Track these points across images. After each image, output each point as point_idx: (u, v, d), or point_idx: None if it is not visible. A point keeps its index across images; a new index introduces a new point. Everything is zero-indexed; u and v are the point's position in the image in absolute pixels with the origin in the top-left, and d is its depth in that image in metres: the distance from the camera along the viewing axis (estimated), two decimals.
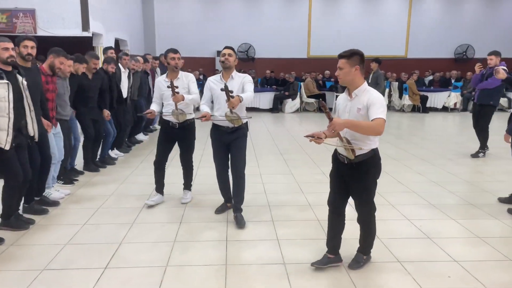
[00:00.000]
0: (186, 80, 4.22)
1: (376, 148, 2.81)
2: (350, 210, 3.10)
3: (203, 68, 14.45)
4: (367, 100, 2.65)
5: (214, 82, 3.85)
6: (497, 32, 15.29)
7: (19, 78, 3.52)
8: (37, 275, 2.91)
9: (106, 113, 5.75)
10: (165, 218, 4.02)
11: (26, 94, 3.56)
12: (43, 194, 4.30)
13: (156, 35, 14.96)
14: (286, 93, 12.96)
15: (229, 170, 3.98)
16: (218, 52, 14.99)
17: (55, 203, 4.32)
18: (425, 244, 3.45)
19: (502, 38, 15.07)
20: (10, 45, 3.45)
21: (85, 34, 9.16)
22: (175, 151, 4.47)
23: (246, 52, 15.15)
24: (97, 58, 5.52)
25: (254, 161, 6.15)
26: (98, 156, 5.93)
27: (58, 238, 3.52)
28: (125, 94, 6.61)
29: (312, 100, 13.09)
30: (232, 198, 3.96)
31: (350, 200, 3.05)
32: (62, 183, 4.95)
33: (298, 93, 12.98)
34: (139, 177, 5.47)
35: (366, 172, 2.79)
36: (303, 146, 7.43)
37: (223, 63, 3.75)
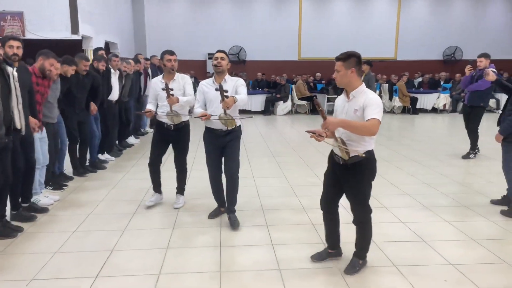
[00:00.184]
0: (182, 82, 4.22)
1: (372, 150, 2.81)
2: (346, 213, 3.08)
3: (194, 70, 14.37)
4: (364, 102, 2.67)
5: (206, 86, 3.82)
6: (485, 34, 15.48)
7: (9, 69, 3.42)
8: (26, 286, 2.82)
9: (93, 106, 5.60)
10: (157, 224, 3.96)
11: (15, 86, 3.46)
12: (32, 200, 4.21)
13: (146, 37, 14.84)
14: (278, 96, 12.96)
15: (223, 174, 3.94)
16: (209, 55, 14.94)
17: (44, 210, 4.23)
18: (420, 247, 3.44)
19: (490, 40, 15.25)
20: None
21: (75, 37, 9.04)
22: (167, 154, 4.42)
23: (237, 55, 15.11)
24: (87, 59, 5.45)
25: (246, 164, 6.11)
26: (87, 161, 5.84)
27: (47, 246, 3.43)
28: (116, 96, 6.53)
29: (303, 102, 13.10)
30: (226, 200, 3.93)
31: (346, 204, 3.03)
32: (51, 189, 4.86)
33: (290, 96, 13.00)
34: (130, 181, 5.39)
35: (360, 174, 2.79)
36: (296, 149, 7.41)
37: (216, 67, 3.73)
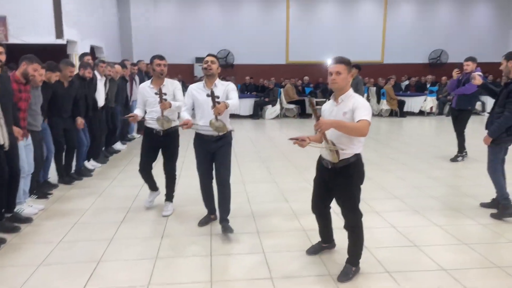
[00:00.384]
0: (172, 87, 4.17)
1: (360, 154, 2.84)
2: (338, 218, 3.04)
3: (181, 74, 14.27)
4: (353, 104, 2.73)
5: (196, 90, 3.74)
6: (470, 38, 15.72)
7: None
8: None
9: (79, 120, 5.50)
10: (146, 233, 3.86)
11: None
12: (15, 210, 4.07)
13: (133, 41, 14.69)
14: (266, 99, 12.93)
15: (213, 180, 3.86)
16: (197, 59, 14.87)
17: (27, 220, 4.10)
18: (412, 252, 3.41)
19: (474, 43, 15.49)
20: None
21: (59, 41, 8.88)
22: (156, 160, 4.35)
23: (225, 59, 15.06)
24: (73, 65, 5.33)
25: (236, 169, 6.04)
26: (73, 168, 5.70)
27: (32, 258, 3.32)
28: (101, 102, 6.42)
29: (292, 106, 13.11)
30: (218, 208, 3.83)
31: (338, 209, 3.00)
32: (35, 198, 4.72)
33: (278, 99, 12.98)
34: (117, 189, 5.28)
35: (349, 177, 2.82)
36: (285, 153, 7.38)
37: (206, 70, 3.66)
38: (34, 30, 8.59)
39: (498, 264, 3.18)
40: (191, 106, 3.80)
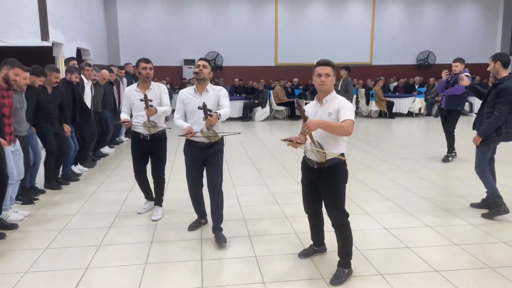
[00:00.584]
0: (158, 90, 4.11)
1: (343, 153, 2.91)
2: (328, 220, 3.01)
3: (170, 77, 14.17)
4: (338, 105, 2.83)
5: (187, 96, 3.62)
6: (457, 39, 15.91)
7: None
8: None
9: (66, 128, 5.42)
10: (135, 238, 3.79)
11: None
12: (0, 216, 3.96)
13: (120, 44, 14.54)
14: (256, 101, 12.91)
15: (204, 187, 3.78)
16: (185, 61, 14.78)
17: (13, 226, 3.99)
18: (405, 254, 3.40)
19: (461, 44, 15.69)
20: None
21: (45, 44, 8.70)
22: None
23: (213, 61, 14.99)
24: (58, 71, 5.21)
25: (226, 172, 5.96)
26: (60, 173, 5.59)
27: (17, 266, 3.22)
28: (89, 106, 6.31)
29: (281, 108, 13.10)
30: (211, 216, 3.71)
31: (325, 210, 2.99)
32: (21, 204, 4.61)
33: (268, 101, 12.97)
34: (105, 193, 5.18)
35: (335, 176, 2.89)
36: (276, 155, 7.35)
37: (197, 75, 3.53)
38: (19, 32, 8.41)
39: (490, 264, 3.19)
40: (183, 113, 3.66)
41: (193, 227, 3.95)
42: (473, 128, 4.40)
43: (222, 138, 3.62)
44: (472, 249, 3.47)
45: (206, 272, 3.12)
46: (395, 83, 14.82)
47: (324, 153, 2.78)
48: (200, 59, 3.65)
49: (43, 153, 5.17)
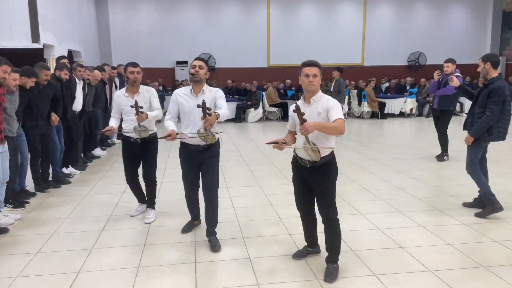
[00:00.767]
0: (148, 94, 4.07)
1: (333, 151, 2.98)
2: (321, 223, 3.01)
3: (162, 78, 14.11)
4: (326, 104, 2.88)
5: (182, 96, 3.53)
6: (447, 40, 16.04)
7: None
8: None
9: (54, 116, 5.29)
10: (127, 241, 3.75)
11: None
12: None
13: (112, 45, 14.44)
14: (249, 103, 12.90)
15: (200, 190, 3.73)
16: (178, 62, 14.73)
17: (3, 230, 3.94)
18: (398, 254, 3.41)
19: (452, 45, 15.81)
20: None
21: (36, 45, 8.61)
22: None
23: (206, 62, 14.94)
24: (48, 69, 5.17)
25: (219, 174, 5.93)
26: (50, 175, 5.52)
27: (8, 271, 3.18)
28: (80, 107, 6.25)
29: (274, 109, 13.11)
30: (205, 221, 3.67)
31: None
32: (11, 207, 4.55)
33: (261, 102, 12.97)
34: (97, 196, 5.13)
35: (327, 173, 2.95)
36: (269, 156, 7.34)
37: (193, 76, 3.44)
38: (9, 34, 8.31)
39: (483, 263, 3.20)
40: (176, 114, 3.59)
41: (186, 229, 3.92)
42: (464, 128, 4.43)
43: (218, 140, 3.53)
44: (465, 248, 3.49)
45: (200, 274, 3.10)
46: (387, 84, 14.90)
47: (319, 150, 2.81)
48: (196, 58, 3.54)
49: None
